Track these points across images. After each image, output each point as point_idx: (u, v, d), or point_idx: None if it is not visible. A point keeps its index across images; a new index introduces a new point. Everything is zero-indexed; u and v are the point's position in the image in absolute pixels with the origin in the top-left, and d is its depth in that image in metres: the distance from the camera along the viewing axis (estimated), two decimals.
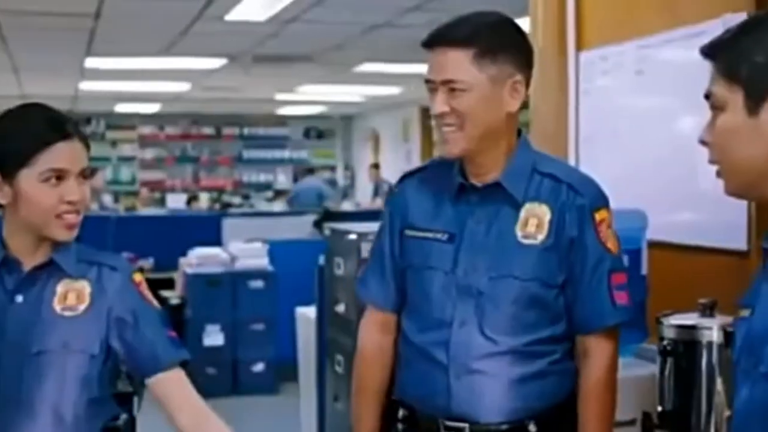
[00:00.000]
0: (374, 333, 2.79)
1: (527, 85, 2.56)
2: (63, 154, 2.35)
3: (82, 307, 2.46)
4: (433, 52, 2.52)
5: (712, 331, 2.64)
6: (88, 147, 2.44)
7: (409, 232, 2.67)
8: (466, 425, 2.54)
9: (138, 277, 2.60)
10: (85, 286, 2.48)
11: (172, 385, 2.50)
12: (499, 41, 2.51)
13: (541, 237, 2.53)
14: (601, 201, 2.61)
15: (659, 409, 2.75)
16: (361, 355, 2.82)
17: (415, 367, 2.63)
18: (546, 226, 2.53)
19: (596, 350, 2.59)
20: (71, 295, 2.47)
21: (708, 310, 2.71)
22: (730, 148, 1.77)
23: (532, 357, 2.55)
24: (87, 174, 2.42)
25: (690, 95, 3.50)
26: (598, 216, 2.57)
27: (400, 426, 2.68)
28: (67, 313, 2.45)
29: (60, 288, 2.47)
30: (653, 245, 3.46)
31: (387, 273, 2.73)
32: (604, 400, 2.59)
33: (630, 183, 3.93)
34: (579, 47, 4.28)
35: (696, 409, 2.65)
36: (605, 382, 2.59)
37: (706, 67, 1.87)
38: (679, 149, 3.64)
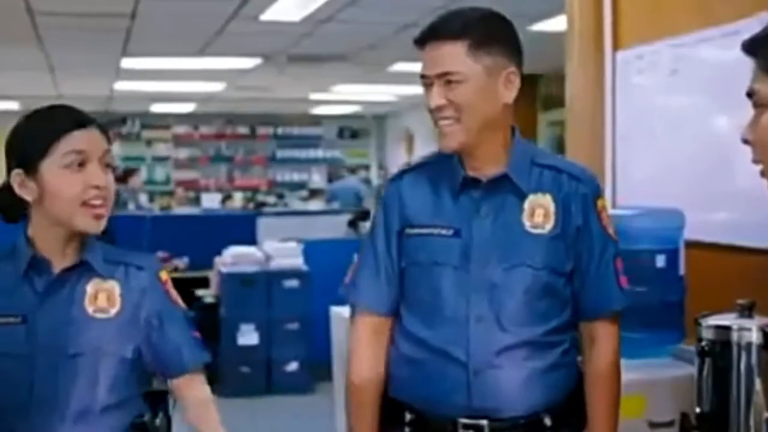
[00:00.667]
0: (368, 339, 2.71)
1: (520, 78, 2.57)
2: (81, 138, 2.36)
3: (113, 310, 2.47)
4: (427, 48, 2.53)
5: (750, 332, 2.63)
6: (108, 137, 2.45)
7: (410, 230, 2.64)
8: (485, 422, 2.53)
9: (164, 275, 2.60)
10: (114, 287, 2.49)
11: (193, 385, 2.59)
12: (493, 33, 2.53)
13: (548, 226, 2.56)
14: (600, 189, 2.67)
15: (697, 410, 2.73)
16: (355, 366, 2.73)
17: (426, 366, 2.59)
18: (552, 215, 2.57)
19: (604, 335, 2.63)
20: (101, 296, 2.47)
21: (746, 311, 2.70)
22: None
23: (547, 348, 2.57)
24: (110, 163, 2.42)
25: (725, 94, 3.51)
26: (599, 203, 2.62)
27: (407, 429, 2.63)
28: (99, 315, 2.46)
29: (90, 288, 2.47)
30: (690, 245, 3.44)
31: (381, 274, 2.68)
32: (613, 382, 2.64)
33: (666, 182, 3.92)
34: (615, 46, 4.26)
35: (734, 410, 2.64)
36: (614, 365, 2.64)
37: (741, 66, 1.84)
38: (715, 148, 3.63)
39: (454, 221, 2.58)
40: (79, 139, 2.35)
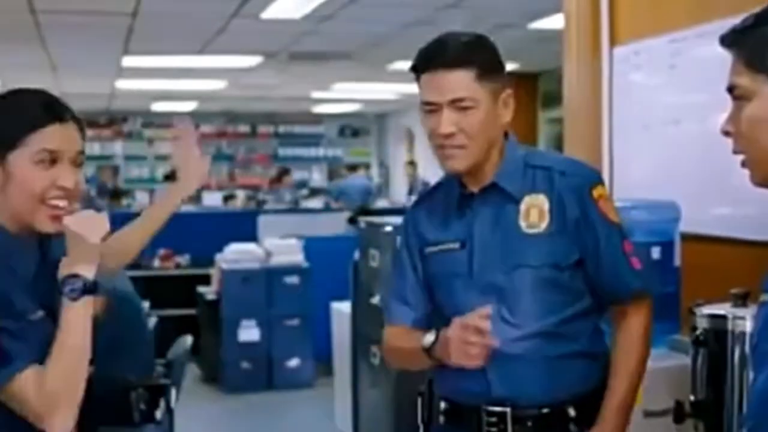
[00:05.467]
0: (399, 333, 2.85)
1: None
2: (56, 135, 2.23)
3: None
4: (429, 74, 2.59)
5: (744, 320, 2.65)
6: (83, 134, 2.34)
7: (427, 250, 2.77)
8: (508, 410, 2.61)
9: None
10: None
11: None
12: (494, 58, 2.63)
13: (544, 224, 2.63)
14: (595, 178, 2.73)
15: (692, 398, 2.76)
16: (389, 343, 2.89)
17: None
18: (547, 213, 2.64)
19: (633, 312, 2.69)
20: None
21: (740, 300, 2.72)
22: (758, 138, 1.76)
23: (562, 338, 2.63)
24: (81, 162, 2.30)
25: (723, 89, 3.53)
26: (595, 193, 2.67)
27: (441, 418, 2.75)
28: None
29: None
30: (686, 237, 3.47)
31: (407, 292, 2.82)
32: (637, 351, 2.69)
33: (663, 176, 3.95)
34: (612, 42, 4.29)
35: (728, 398, 2.66)
36: (641, 337, 2.69)
37: None
38: (712, 142, 3.62)
39: (459, 234, 2.70)
40: (53, 137, 2.23)
